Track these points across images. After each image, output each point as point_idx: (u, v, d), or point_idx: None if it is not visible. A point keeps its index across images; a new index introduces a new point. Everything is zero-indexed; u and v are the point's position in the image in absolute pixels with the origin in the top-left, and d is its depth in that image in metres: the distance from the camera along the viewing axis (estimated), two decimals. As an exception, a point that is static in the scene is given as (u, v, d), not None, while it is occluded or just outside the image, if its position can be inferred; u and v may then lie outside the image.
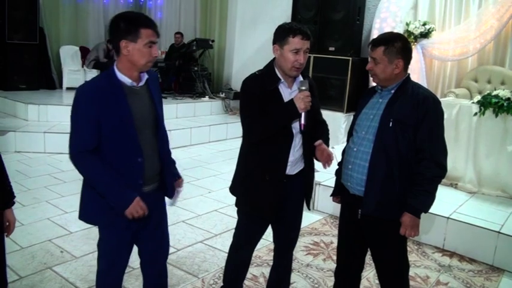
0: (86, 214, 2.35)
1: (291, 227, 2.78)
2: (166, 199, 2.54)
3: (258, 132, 2.50)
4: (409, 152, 2.36)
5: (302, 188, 2.68)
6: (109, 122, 2.15)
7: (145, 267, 2.59)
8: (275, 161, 2.52)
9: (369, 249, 2.67)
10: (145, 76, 2.30)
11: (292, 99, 2.43)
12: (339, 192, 2.72)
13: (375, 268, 2.66)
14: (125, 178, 2.24)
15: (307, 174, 2.67)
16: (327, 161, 2.49)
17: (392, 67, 2.38)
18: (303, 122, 2.44)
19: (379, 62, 2.39)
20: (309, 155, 2.64)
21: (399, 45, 2.37)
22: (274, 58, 2.56)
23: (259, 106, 2.46)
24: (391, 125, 2.35)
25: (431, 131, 2.34)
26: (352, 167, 2.48)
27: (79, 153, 2.19)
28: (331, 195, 2.83)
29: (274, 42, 2.50)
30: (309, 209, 2.84)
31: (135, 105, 2.22)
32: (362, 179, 2.43)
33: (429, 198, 2.38)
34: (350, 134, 2.63)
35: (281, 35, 2.45)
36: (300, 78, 2.55)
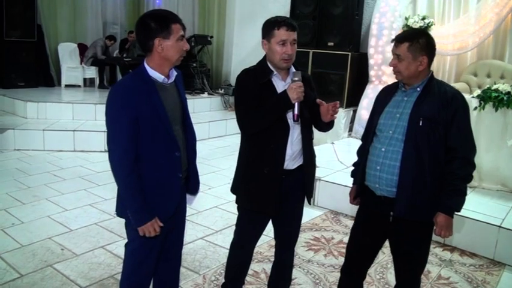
0: (122, 209, 2.35)
1: (292, 223, 2.77)
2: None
3: (253, 124, 2.51)
4: (440, 151, 2.32)
5: (302, 183, 2.66)
6: (146, 118, 2.17)
7: (160, 261, 2.56)
8: (272, 154, 2.52)
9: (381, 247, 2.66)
10: (174, 73, 2.34)
11: (285, 90, 2.44)
12: (358, 193, 2.65)
13: (395, 266, 2.61)
14: (166, 173, 2.28)
15: (307, 169, 2.66)
16: (334, 110, 2.46)
17: (416, 64, 2.33)
18: (296, 112, 2.44)
19: (403, 58, 2.34)
20: (309, 149, 2.63)
21: (424, 41, 2.33)
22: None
23: (253, 99, 2.48)
24: (421, 123, 2.30)
25: (462, 129, 2.30)
26: (381, 167, 2.41)
27: (120, 163, 2.20)
28: (354, 198, 2.71)
29: (262, 37, 2.53)
30: (310, 204, 2.83)
31: (166, 101, 2.25)
32: (393, 179, 2.37)
33: (463, 197, 2.35)
34: (369, 133, 2.57)
35: (267, 29, 2.49)
36: (293, 69, 2.56)
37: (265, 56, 2.59)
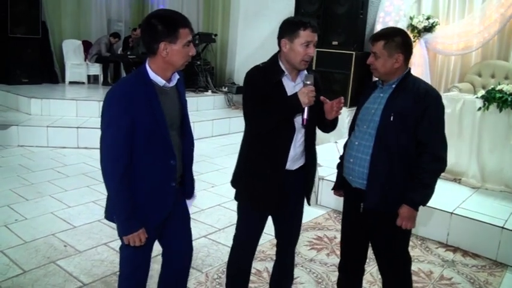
0: (111, 213, 2.29)
1: (292, 222, 2.77)
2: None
3: (259, 124, 2.48)
4: (410, 146, 2.38)
5: (303, 183, 2.66)
6: (142, 124, 2.10)
7: (167, 266, 2.52)
8: (276, 155, 2.50)
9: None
10: (177, 76, 2.26)
11: (296, 93, 2.40)
12: (341, 185, 2.73)
13: (376, 261, 2.67)
14: (159, 181, 2.22)
15: (308, 170, 2.65)
16: (338, 106, 2.44)
17: (392, 61, 2.39)
18: (305, 117, 2.41)
19: (379, 56, 2.41)
20: (311, 150, 2.62)
21: (399, 39, 2.39)
22: (278, 51, 2.53)
23: (262, 97, 2.43)
24: (392, 119, 2.37)
25: (432, 124, 2.36)
26: (354, 160, 2.50)
27: (112, 169, 2.13)
28: (332, 189, 2.84)
29: (281, 37, 2.46)
30: (309, 205, 2.82)
31: (166, 105, 2.18)
32: (364, 172, 2.45)
33: (428, 191, 2.39)
34: (352, 129, 2.64)
35: (290, 28, 2.42)
36: (305, 72, 2.52)
37: (276, 55, 2.54)
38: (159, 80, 2.16)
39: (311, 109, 2.43)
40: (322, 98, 2.48)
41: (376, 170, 2.41)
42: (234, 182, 2.72)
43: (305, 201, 2.75)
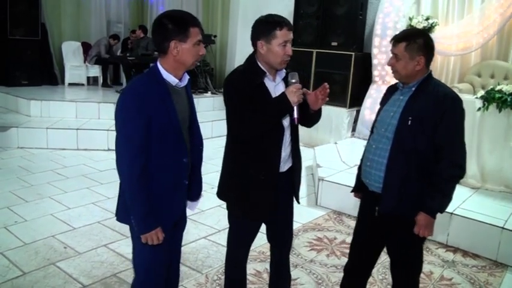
0: (125, 215, 2.26)
1: (285, 224, 2.75)
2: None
3: (251, 129, 2.40)
4: (428, 151, 2.33)
5: (291, 184, 2.63)
6: (157, 122, 2.11)
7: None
8: (268, 158, 2.46)
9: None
10: (187, 77, 2.27)
11: (284, 94, 2.35)
12: (360, 188, 2.70)
13: (390, 265, 2.65)
14: (173, 179, 2.24)
15: (296, 170, 2.62)
16: (323, 94, 2.38)
17: (413, 63, 2.35)
18: (295, 115, 2.37)
19: (400, 58, 2.37)
20: (298, 150, 2.60)
21: (421, 41, 2.35)
22: (254, 52, 2.49)
23: (249, 101, 2.37)
24: (409, 122, 2.33)
25: (450, 129, 2.31)
26: (371, 164, 2.48)
27: (129, 169, 2.12)
28: (351, 191, 2.82)
29: (257, 38, 2.42)
30: (299, 203, 2.77)
31: (178, 104, 2.20)
32: (380, 176, 2.42)
33: (446, 199, 2.35)
34: (372, 132, 2.62)
35: (266, 29, 2.38)
36: (284, 70, 2.48)
37: (254, 56, 2.49)
38: (172, 79, 2.18)
39: (300, 106, 2.38)
40: (304, 90, 2.41)
41: (393, 174, 2.37)
42: (222, 194, 2.66)
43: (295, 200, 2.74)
